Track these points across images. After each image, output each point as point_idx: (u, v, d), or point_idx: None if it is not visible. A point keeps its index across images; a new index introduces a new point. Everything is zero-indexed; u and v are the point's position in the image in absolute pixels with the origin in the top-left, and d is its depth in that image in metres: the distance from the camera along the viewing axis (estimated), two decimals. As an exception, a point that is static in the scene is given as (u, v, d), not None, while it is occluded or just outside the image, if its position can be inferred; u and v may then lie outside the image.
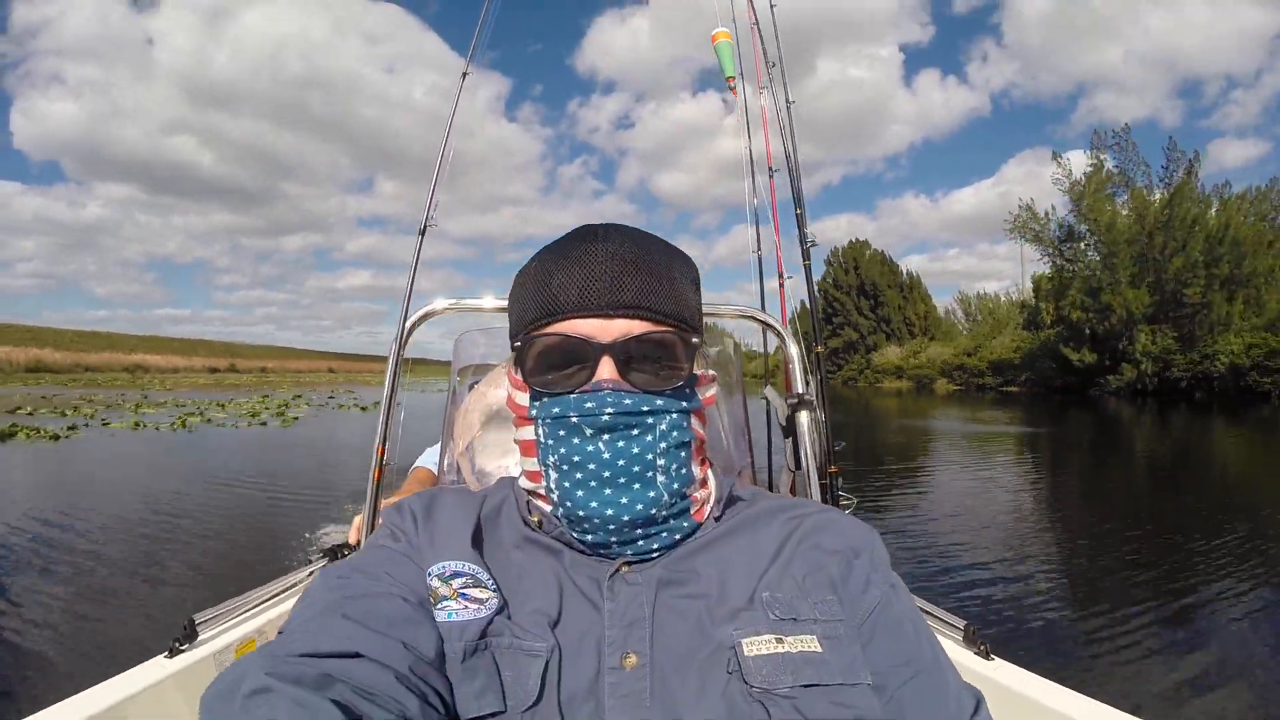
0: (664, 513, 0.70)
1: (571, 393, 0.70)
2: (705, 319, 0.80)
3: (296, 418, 21.94)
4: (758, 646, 0.64)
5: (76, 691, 1.23)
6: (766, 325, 1.79)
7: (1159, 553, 6.45)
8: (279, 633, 0.60)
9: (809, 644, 0.64)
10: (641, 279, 0.70)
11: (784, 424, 1.72)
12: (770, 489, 2.04)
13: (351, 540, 1.76)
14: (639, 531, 0.69)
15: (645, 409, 0.69)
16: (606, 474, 0.68)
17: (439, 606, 0.65)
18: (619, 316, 0.69)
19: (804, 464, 1.67)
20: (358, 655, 0.55)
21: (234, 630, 1.52)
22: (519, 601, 0.67)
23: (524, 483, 0.78)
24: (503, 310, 0.78)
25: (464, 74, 2.43)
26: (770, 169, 3.19)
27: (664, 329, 0.71)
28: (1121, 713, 1.18)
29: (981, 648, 1.41)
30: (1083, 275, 39.68)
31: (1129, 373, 36.62)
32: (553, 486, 0.71)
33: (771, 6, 3.24)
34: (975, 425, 21.42)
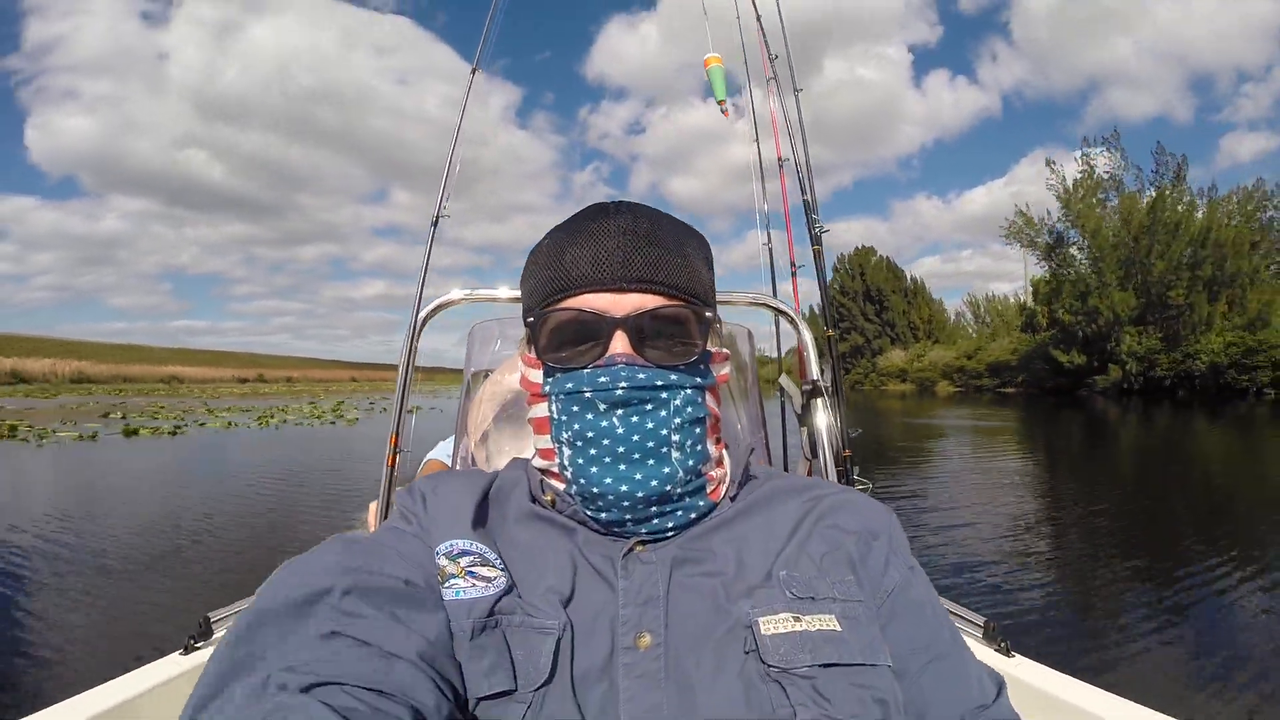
0: (679, 490, 0.68)
1: (585, 368, 0.68)
2: (718, 307, 0.78)
3: (356, 419, 24.92)
4: (774, 625, 0.62)
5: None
6: (780, 312, 1.77)
7: (1151, 545, 6.61)
8: (273, 618, 0.55)
9: (827, 623, 0.63)
10: (654, 253, 0.70)
11: (799, 412, 1.71)
12: None
13: (371, 527, 1.70)
14: (654, 509, 0.68)
15: (659, 383, 0.68)
16: (621, 450, 0.67)
17: (447, 585, 0.64)
18: (632, 291, 0.68)
19: (820, 451, 1.66)
20: (364, 644, 0.54)
21: None
22: (531, 581, 0.66)
23: (537, 461, 0.76)
24: (518, 300, 0.83)
25: (473, 69, 2.46)
26: (779, 160, 3.14)
27: (677, 303, 0.70)
28: (1144, 708, 1.16)
29: (1002, 644, 1.39)
30: (1072, 279, 41.21)
31: (1115, 373, 38.25)
32: (566, 463, 0.70)
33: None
34: (970, 424, 21.92)
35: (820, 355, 1.76)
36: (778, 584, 0.66)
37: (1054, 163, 41.94)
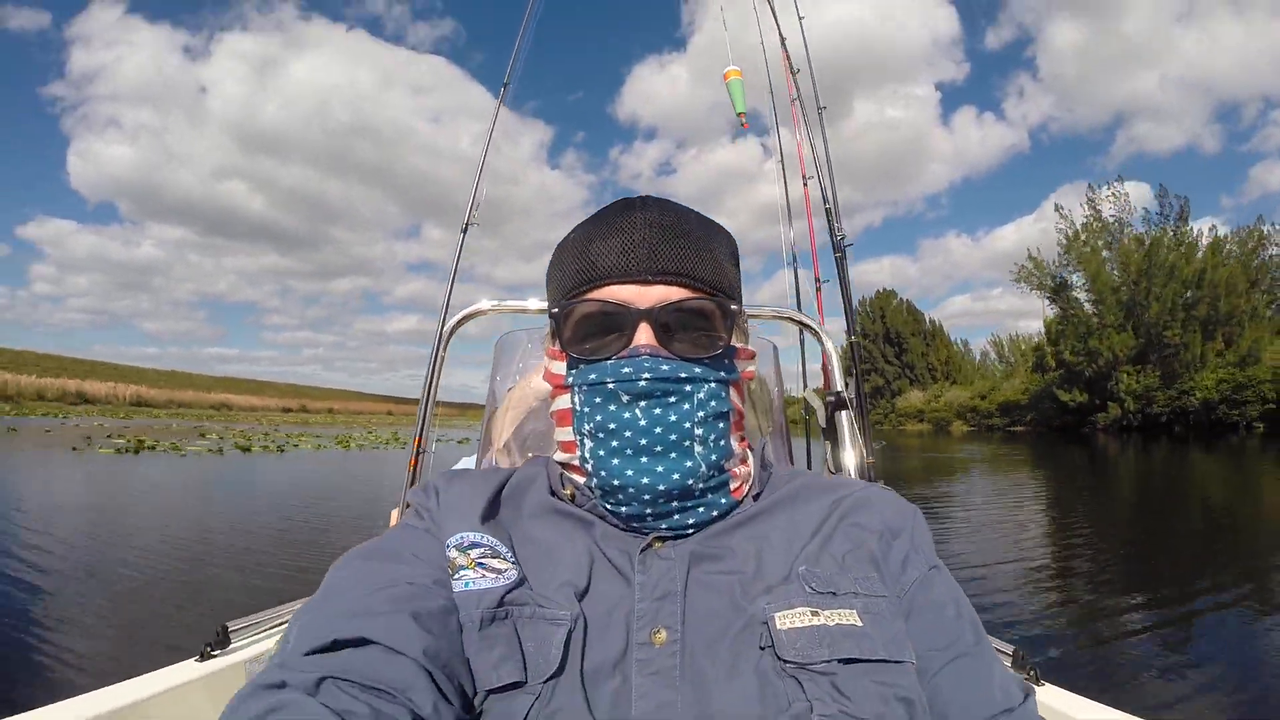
0: (701, 485, 0.67)
1: (609, 359, 0.68)
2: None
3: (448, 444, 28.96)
4: (791, 619, 0.61)
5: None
6: (804, 325, 1.76)
7: (1155, 573, 6.82)
8: (294, 618, 0.58)
9: (848, 618, 0.61)
10: (680, 246, 0.70)
11: (823, 425, 1.70)
12: None
13: None
14: (674, 504, 0.67)
15: (683, 376, 0.67)
16: (643, 442, 0.66)
17: (456, 576, 0.64)
18: (658, 283, 0.68)
19: (843, 466, 1.64)
20: (368, 643, 0.54)
21: (268, 640, 1.52)
22: (547, 574, 0.65)
23: (558, 455, 0.76)
24: (546, 312, 0.78)
25: (504, 84, 2.49)
26: (804, 176, 3.08)
27: (702, 296, 0.70)
28: None
29: (1031, 673, 1.36)
30: (1075, 321, 42.94)
31: (1114, 411, 39.72)
32: (587, 456, 0.69)
33: (800, 19, 3.27)
34: (980, 460, 22.52)
35: (844, 368, 1.75)
36: (797, 579, 0.64)
37: (1061, 207, 44.11)
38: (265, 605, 1.64)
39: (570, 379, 0.72)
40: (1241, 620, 5.24)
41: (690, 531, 0.68)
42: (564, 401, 0.73)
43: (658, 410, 0.67)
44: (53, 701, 1.16)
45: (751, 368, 0.78)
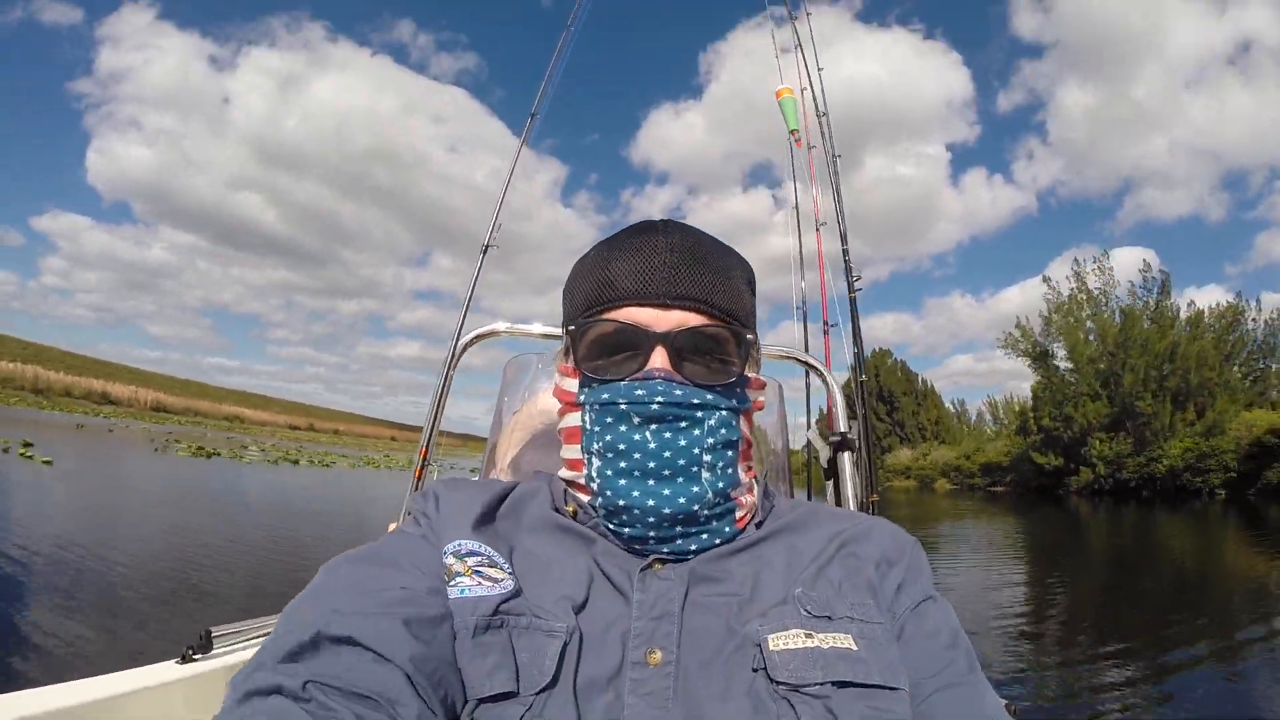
0: (706, 512, 0.68)
1: (622, 380, 0.69)
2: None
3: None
4: (784, 641, 0.61)
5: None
6: (810, 366, 1.76)
7: (1129, 630, 7.19)
8: (283, 617, 0.57)
9: (843, 641, 0.61)
10: (700, 272, 0.70)
11: (826, 466, 1.69)
12: None
13: None
14: (678, 529, 0.67)
15: (695, 402, 0.67)
16: (651, 465, 0.66)
17: (452, 583, 0.63)
18: (675, 307, 0.69)
19: (845, 505, 1.62)
20: (356, 646, 0.53)
21: (253, 648, 1.49)
22: (546, 589, 0.65)
23: (564, 472, 0.76)
24: (559, 337, 0.79)
25: (532, 114, 2.56)
26: (817, 222, 3.16)
27: (719, 323, 0.70)
28: None
29: None
30: (1054, 388, 45.18)
31: (1086, 475, 41.61)
32: (594, 475, 0.70)
33: (819, 70, 3.33)
34: (961, 519, 23.85)
35: (849, 411, 1.73)
36: (792, 602, 0.65)
37: (1050, 279, 46.14)
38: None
39: (582, 397, 0.72)
40: (1208, 676, 5.71)
41: (691, 556, 0.68)
42: (574, 419, 0.73)
43: (668, 434, 0.67)
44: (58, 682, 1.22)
45: (762, 398, 0.77)
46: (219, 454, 22.79)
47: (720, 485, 0.68)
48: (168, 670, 1.39)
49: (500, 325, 1.70)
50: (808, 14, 3.64)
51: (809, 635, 0.62)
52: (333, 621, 0.54)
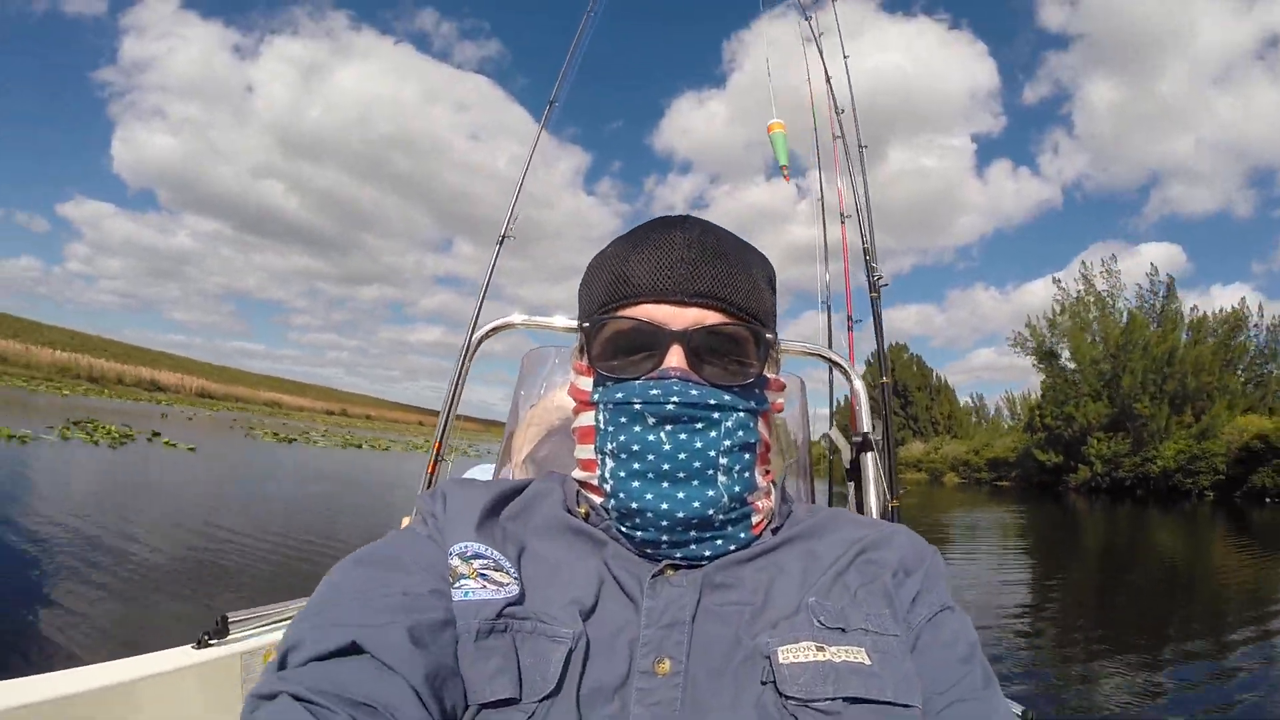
0: (721, 516, 0.66)
1: (638, 379, 0.67)
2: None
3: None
4: (794, 654, 0.59)
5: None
6: (834, 364, 1.74)
7: (1120, 627, 7.49)
8: (291, 625, 0.58)
9: (856, 655, 0.60)
10: (719, 269, 0.68)
11: (847, 466, 1.66)
12: None
13: None
14: (692, 533, 0.66)
15: (712, 402, 0.66)
16: (665, 467, 0.65)
17: (457, 585, 0.63)
18: (694, 305, 0.67)
19: (866, 508, 1.61)
20: (359, 654, 0.54)
21: (267, 634, 1.52)
22: (553, 592, 0.64)
23: (577, 473, 0.75)
24: (576, 330, 0.75)
25: (550, 101, 2.53)
26: (842, 215, 3.11)
27: (738, 322, 0.69)
28: None
29: None
30: (1056, 387, 47.13)
31: (1084, 473, 43.48)
32: (607, 476, 0.68)
33: (845, 57, 3.25)
34: (965, 512, 24.66)
35: (872, 410, 1.69)
36: (806, 611, 0.63)
37: (1059, 280, 47.87)
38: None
39: (596, 396, 0.70)
40: (1197, 671, 5.91)
41: (705, 562, 0.67)
42: (588, 418, 0.72)
43: (683, 436, 0.65)
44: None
45: (781, 399, 0.76)
46: (294, 439, 25.60)
47: (737, 489, 0.67)
48: (183, 655, 1.40)
49: (516, 318, 1.66)
50: (833, 1, 3.57)
51: (820, 648, 0.60)
52: (337, 629, 0.55)
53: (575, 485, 0.76)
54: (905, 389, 77.38)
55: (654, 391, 0.66)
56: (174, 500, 10.91)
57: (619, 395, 0.68)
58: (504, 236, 2.25)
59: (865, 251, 2.71)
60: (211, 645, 1.45)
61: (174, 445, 18.64)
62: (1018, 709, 1.48)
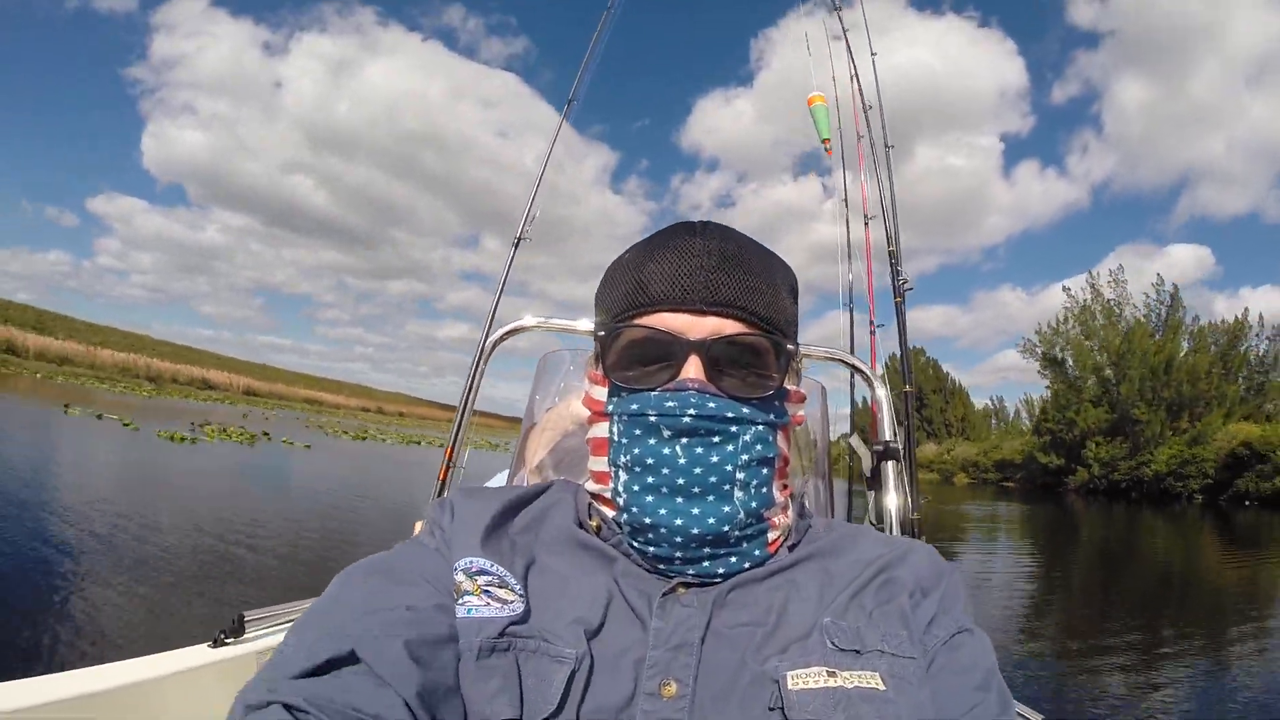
0: (737, 533, 0.65)
1: (653, 390, 0.66)
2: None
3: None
4: (804, 680, 0.58)
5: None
6: (857, 370, 1.70)
7: (1113, 620, 7.95)
8: (291, 630, 0.58)
9: (869, 680, 0.58)
10: (739, 277, 0.67)
11: (868, 474, 1.64)
12: None
13: None
14: (707, 550, 0.64)
15: (730, 415, 0.64)
16: (680, 481, 0.63)
17: (460, 601, 0.62)
18: (712, 314, 0.66)
19: (887, 517, 1.58)
20: (356, 666, 0.53)
21: (281, 633, 1.48)
22: (559, 609, 0.63)
23: (590, 485, 0.74)
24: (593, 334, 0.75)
25: (569, 100, 2.52)
26: (866, 216, 3.07)
27: (758, 332, 0.67)
28: None
29: None
30: (1060, 393, 49.51)
31: (1083, 475, 45.83)
32: (620, 490, 0.67)
33: (873, 55, 3.23)
34: (970, 509, 26.28)
35: (895, 417, 1.66)
36: (819, 633, 0.62)
37: (1069, 289, 49.94)
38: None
39: (610, 407, 0.69)
40: (1187, 666, 6.13)
41: (718, 580, 0.65)
42: (601, 430, 0.71)
43: (700, 449, 0.64)
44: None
45: (801, 412, 0.75)
46: (367, 437, 28.84)
47: (754, 505, 0.65)
48: (199, 654, 1.40)
49: (529, 320, 1.62)
50: None
51: (831, 673, 0.58)
52: (335, 640, 0.54)
53: (588, 497, 0.74)
54: (921, 392, 79.85)
55: (670, 403, 0.64)
56: (329, 490, 13.67)
57: (634, 406, 0.66)
58: (520, 238, 2.24)
59: (890, 254, 2.67)
60: (228, 644, 1.44)
61: (291, 444, 22.03)
62: (1037, 718, 1.47)
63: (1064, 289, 50.11)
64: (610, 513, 0.70)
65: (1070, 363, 48.84)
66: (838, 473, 1.70)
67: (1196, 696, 5.65)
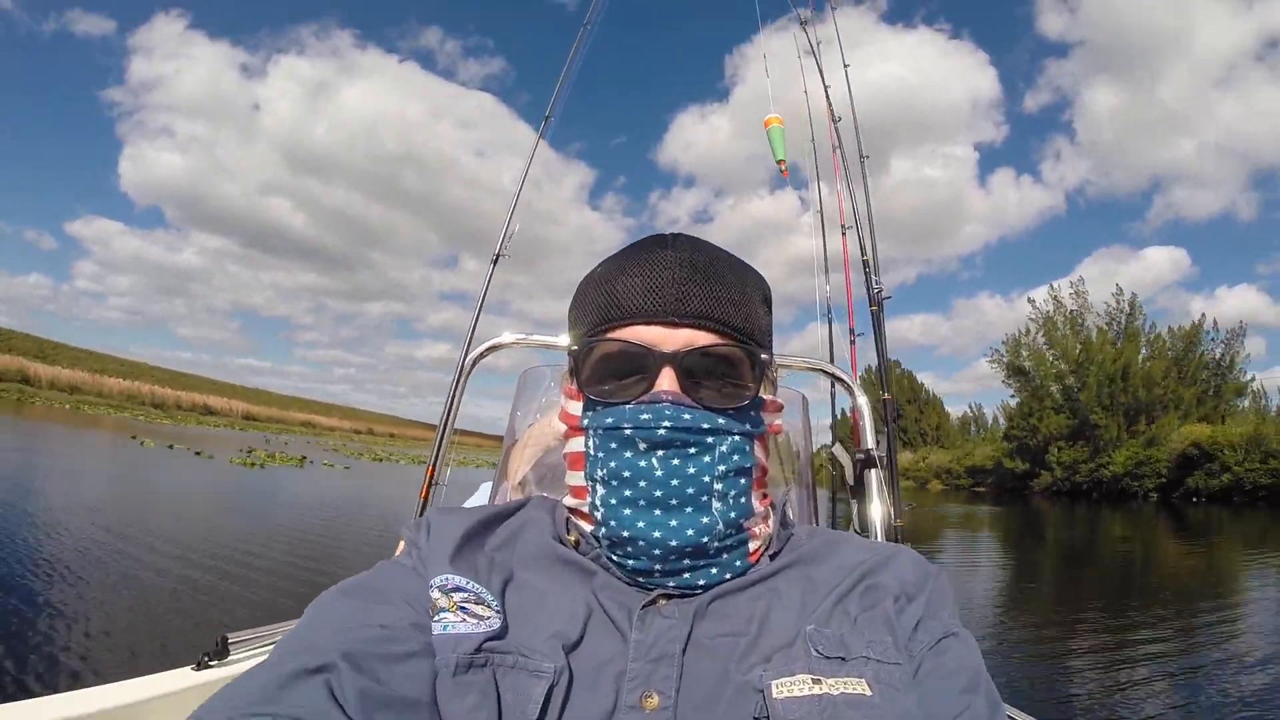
0: (716, 544, 0.64)
1: (628, 403, 0.66)
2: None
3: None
4: (790, 688, 0.57)
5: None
6: (837, 379, 1.71)
7: (1078, 611, 8.38)
8: (274, 649, 0.57)
9: (856, 687, 0.57)
10: (711, 288, 0.67)
11: (850, 483, 1.65)
12: None
13: None
14: (686, 562, 0.64)
15: (706, 426, 0.64)
16: (658, 494, 0.63)
17: (436, 618, 0.61)
18: (685, 326, 0.66)
19: (870, 526, 1.59)
20: (325, 685, 0.52)
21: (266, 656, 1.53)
22: (538, 624, 0.62)
23: (568, 500, 0.73)
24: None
25: (545, 117, 2.53)
26: (843, 227, 3.07)
27: (731, 343, 0.67)
28: None
29: None
30: (1024, 401, 52.26)
31: (1046, 478, 48.36)
32: (598, 503, 0.67)
33: (845, 67, 3.27)
34: (944, 510, 28.30)
35: (875, 425, 1.65)
36: (803, 641, 0.61)
37: (1034, 300, 52.53)
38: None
39: (585, 421, 0.69)
40: (1145, 644, 6.50)
41: (699, 591, 0.65)
42: (578, 444, 0.70)
43: (676, 461, 0.64)
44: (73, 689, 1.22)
45: (778, 421, 0.75)
46: (384, 459, 31.18)
47: (732, 515, 0.65)
48: (183, 677, 1.38)
49: (507, 337, 1.62)
50: (832, 7, 3.56)
51: (817, 680, 0.58)
52: (303, 660, 0.53)
53: (565, 512, 0.74)
54: (896, 404, 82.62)
55: (645, 416, 0.64)
56: (395, 509, 14.88)
57: (609, 420, 0.66)
58: (498, 255, 2.24)
59: (866, 264, 2.66)
60: (211, 666, 1.42)
61: (331, 466, 24.45)
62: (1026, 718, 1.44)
63: (1029, 300, 52.93)
64: (588, 527, 0.69)
65: (1033, 372, 51.40)
66: (820, 482, 1.69)
67: (1165, 675, 5.90)
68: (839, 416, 2.50)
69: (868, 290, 2.70)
